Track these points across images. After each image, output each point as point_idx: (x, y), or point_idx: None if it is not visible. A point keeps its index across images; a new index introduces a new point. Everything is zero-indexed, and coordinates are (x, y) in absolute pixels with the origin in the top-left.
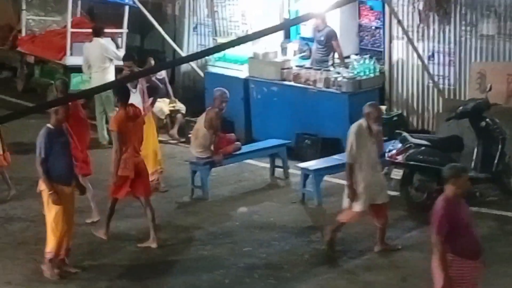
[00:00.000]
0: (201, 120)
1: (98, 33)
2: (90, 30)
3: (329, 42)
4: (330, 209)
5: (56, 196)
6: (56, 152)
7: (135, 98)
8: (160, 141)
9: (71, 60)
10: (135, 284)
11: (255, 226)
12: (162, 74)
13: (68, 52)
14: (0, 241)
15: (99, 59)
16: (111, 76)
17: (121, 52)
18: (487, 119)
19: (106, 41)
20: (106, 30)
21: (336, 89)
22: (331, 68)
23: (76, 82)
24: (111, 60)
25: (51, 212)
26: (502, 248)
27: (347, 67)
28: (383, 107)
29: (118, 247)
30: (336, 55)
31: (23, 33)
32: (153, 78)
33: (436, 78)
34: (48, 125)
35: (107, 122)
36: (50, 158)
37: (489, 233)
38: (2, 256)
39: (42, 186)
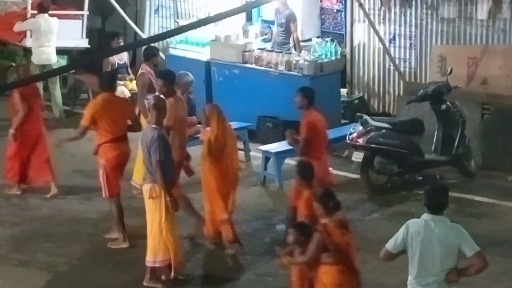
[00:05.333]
0: None
1: (46, 9)
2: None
3: (289, 25)
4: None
5: (176, 201)
6: (167, 154)
7: None
8: None
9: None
10: (95, 268)
11: None
12: (123, 58)
13: (28, 34)
14: None
15: (53, 35)
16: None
17: (83, 41)
18: (448, 102)
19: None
20: (66, 12)
21: (298, 72)
22: (293, 51)
23: None
24: None
25: (167, 220)
26: None
27: (300, 52)
28: (344, 90)
29: (77, 231)
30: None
31: None
32: (115, 63)
33: (397, 61)
34: (154, 126)
35: (49, 100)
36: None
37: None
38: None
39: (158, 191)
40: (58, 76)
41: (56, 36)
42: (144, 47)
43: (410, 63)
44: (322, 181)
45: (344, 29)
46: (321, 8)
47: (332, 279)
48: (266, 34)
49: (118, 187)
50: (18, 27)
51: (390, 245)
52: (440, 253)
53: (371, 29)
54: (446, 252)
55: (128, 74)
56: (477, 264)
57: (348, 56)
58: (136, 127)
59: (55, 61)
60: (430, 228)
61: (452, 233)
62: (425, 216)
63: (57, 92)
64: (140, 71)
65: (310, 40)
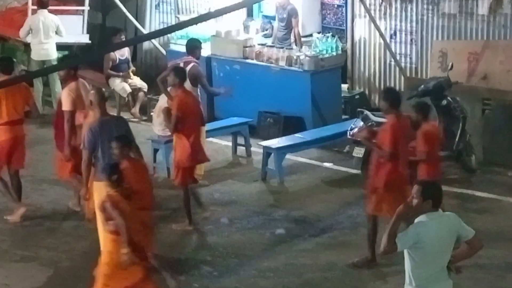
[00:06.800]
0: (163, 98)
1: (46, 4)
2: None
3: (290, 20)
4: (292, 187)
5: None
6: None
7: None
8: None
9: None
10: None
11: (217, 205)
12: (125, 54)
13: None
14: None
15: (52, 31)
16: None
17: (84, 37)
18: (448, 98)
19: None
20: (67, 8)
21: (299, 67)
22: (293, 46)
23: None
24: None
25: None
26: None
27: (301, 47)
28: (345, 85)
29: (80, 226)
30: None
31: None
32: (116, 58)
33: (398, 57)
34: (116, 115)
35: (49, 95)
36: None
37: (450, 211)
38: None
39: None
40: None
41: (62, 32)
42: (187, 40)
43: (411, 58)
44: (194, 157)
45: (345, 25)
46: (322, 3)
47: (104, 246)
48: (267, 30)
49: (3, 167)
50: (22, 32)
51: (400, 242)
52: (448, 245)
53: (372, 25)
54: (451, 242)
55: (129, 67)
56: (476, 246)
57: (349, 52)
58: (34, 112)
59: (55, 56)
60: (438, 225)
61: (453, 222)
62: (428, 215)
63: (58, 88)
64: (190, 64)
65: (311, 35)
